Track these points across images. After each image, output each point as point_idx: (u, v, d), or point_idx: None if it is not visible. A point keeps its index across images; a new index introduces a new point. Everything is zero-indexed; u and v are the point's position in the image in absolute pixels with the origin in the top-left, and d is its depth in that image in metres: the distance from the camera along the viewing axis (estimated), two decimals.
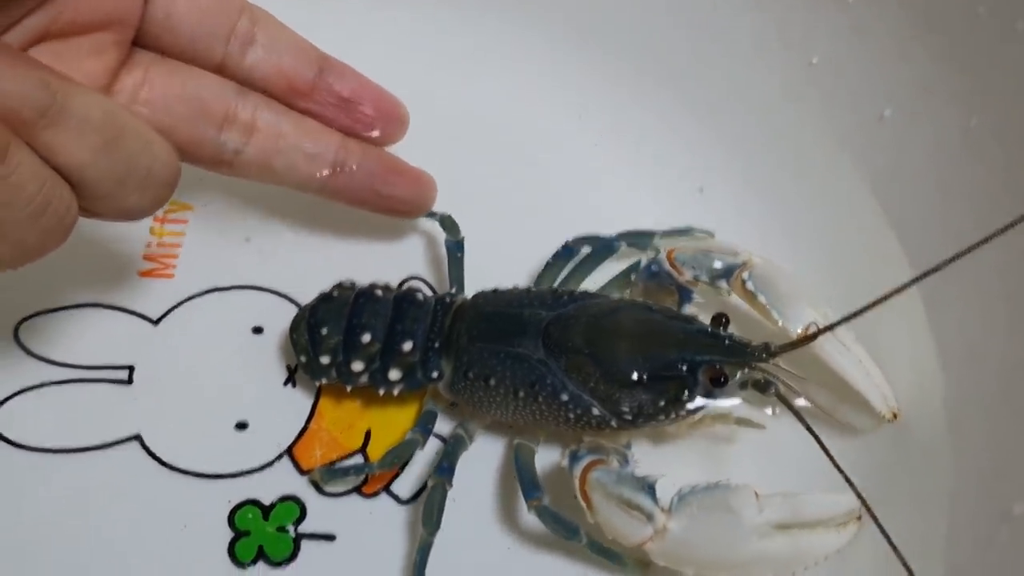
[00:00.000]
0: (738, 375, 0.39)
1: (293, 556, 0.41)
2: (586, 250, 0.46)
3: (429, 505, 0.39)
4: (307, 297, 0.46)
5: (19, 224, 0.31)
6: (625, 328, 0.40)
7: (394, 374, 0.42)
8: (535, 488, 0.39)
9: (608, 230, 0.48)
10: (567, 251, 0.46)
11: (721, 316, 0.41)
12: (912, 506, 0.39)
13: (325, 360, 0.42)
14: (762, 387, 0.39)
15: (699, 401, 0.39)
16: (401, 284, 0.47)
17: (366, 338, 0.42)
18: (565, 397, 0.39)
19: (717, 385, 0.39)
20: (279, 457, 0.43)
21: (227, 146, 0.41)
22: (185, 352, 0.46)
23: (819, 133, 0.48)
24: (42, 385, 0.45)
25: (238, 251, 0.49)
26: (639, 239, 0.47)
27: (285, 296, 0.48)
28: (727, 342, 0.40)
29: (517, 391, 0.40)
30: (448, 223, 0.46)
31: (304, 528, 0.41)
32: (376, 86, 0.45)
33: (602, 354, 0.39)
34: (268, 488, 0.42)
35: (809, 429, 0.37)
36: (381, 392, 0.43)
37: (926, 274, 0.35)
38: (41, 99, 0.30)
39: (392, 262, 0.49)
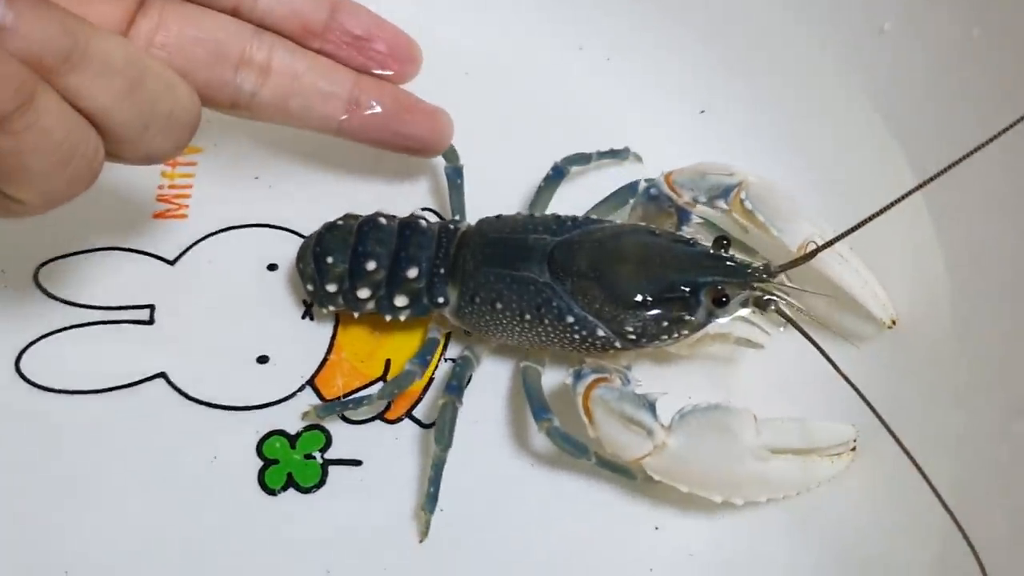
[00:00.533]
0: (739, 295, 0.40)
1: (322, 482, 0.42)
2: (575, 169, 0.48)
3: (440, 422, 0.41)
4: None
5: (47, 170, 0.31)
6: (629, 251, 0.41)
7: (400, 300, 0.43)
8: (544, 410, 0.40)
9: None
10: (557, 172, 0.47)
11: (722, 239, 0.42)
12: (922, 408, 0.41)
13: (332, 288, 0.43)
14: (763, 305, 0.40)
15: (701, 320, 0.40)
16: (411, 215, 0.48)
17: (371, 265, 0.43)
18: (571, 319, 0.40)
19: (719, 305, 0.40)
20: (302, 388, 0.44)
21: (244, 88, 0.41)
22: (203, 290, 0.47)
23: (820, 49, 0.49)
24: (66, 328, 0.45)
25: (249, 190, 0.49)
26: (616, 154, 0.49)
27: (297, 232, 0.48)
28: (728, 263, 0.40)
29: (523, 314, 0.41)
30: (448, 150, 0.47)
31: (331, 455, 0.43)
32: (389, 24, 0.45)
33: (607, 277, 0.40)
34: (293, 418, 0.43)
35: (813, 342, 0.38)
36: (388, 318, 0.44)
37: (928, 181, 0.36)
38: (63, 44, 0.30)
39: (404, 196, 0.49)
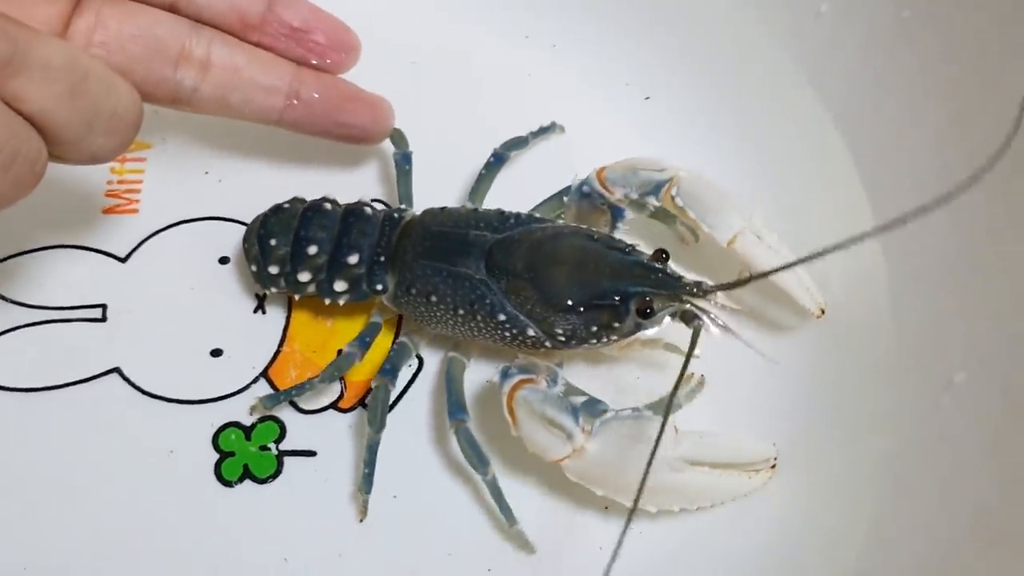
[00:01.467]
0: (667, 308, 0.40)
1: (277, 472, 0.43)
2: (515, 153, 0.48)
3: (373, 404, 0.41)
4: None
5: None
6: (565, 255, 0.41)
7: (339, 285, 0.43)
8: (459, 409, 0.41)
9: (560, 142, 0.50)
10: (497, 159, 0.48)
11: (662, 252, 0.41)
12: (860, 386, 0.42)
13: (274, 270, 0.44)
14: (688, 319, 0.40)
15: (630, 327, 0.40)
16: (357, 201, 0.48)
17: (312, 250, 0.43)
18: (503, 317, 0.41)
19: (644, 316, 0.40)
20: (255, 380, 0.45)
21: (184, 84, 0.42)
22: (155, 286, 0.47)
23: (759, 34, 0.50)
24: (18, 327, 0.46)
25: (198, 184, 0.50)
26: (545, 131, 0.50)
27: (246, 224, 0.48)
28: (660, 275, 0.40)
29: (457, 308, 0.41)
30: (396, 136, 0.48)
31: (285, 446, 0.43)
32: (326, 14, 0.45)
33: (541, 278, 0.40)
34: (248, 410, 0.44)
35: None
36: (327, 302, 0.44)
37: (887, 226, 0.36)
38: (3, 49, 0.30)
39: (354, 185, 0.50)
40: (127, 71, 0.38)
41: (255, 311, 0.47)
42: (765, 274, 0.38)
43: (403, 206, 0.47)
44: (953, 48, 0.42)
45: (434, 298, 0.42)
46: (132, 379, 0.45)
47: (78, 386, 0.44)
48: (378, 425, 0.41)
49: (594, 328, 0.40)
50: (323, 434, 0.44)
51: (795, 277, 0.43)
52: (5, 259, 0.47)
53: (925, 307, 0.40)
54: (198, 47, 0.42)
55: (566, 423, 0.38)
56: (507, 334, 0.41)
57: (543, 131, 0.50)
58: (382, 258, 0.43)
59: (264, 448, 0.43)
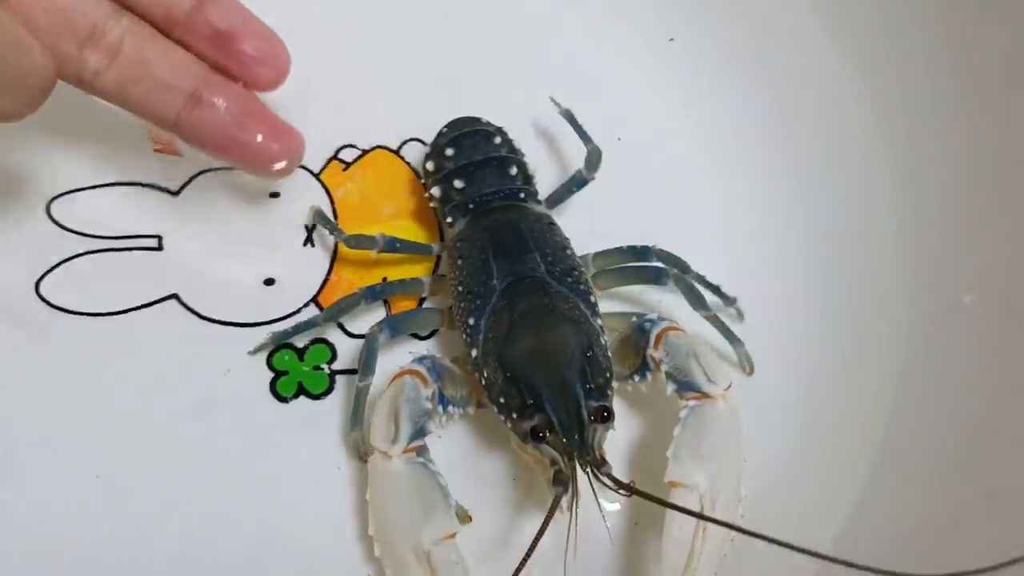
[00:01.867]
0: (555, 451, 0.39)
1: (330, 389, 0.46)
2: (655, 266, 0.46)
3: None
4: (315, 162, 0.51)
5: None
6: (547, 334, 0.41)
7: (436, 191, 0.48)
8: (391, 324, 0.44)
9: (585, 85, 0.53)
10: (642, 252, 0.46)
11: (604, 409, 0.39)
12: (874, 309, 0.45)
13: (430, 166, 0.49)
14: (557, 481, 0.38)
15: (521, 431, 0.40)
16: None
17: (454, 160, 0.48)
18: (472, 322, 0.42)
19: (534, 436, 0.39)
20: (306, 305, 0.48)
21: (88, 65, 0.40)
22: (208, 219, 0.50)
23: None
24: (79, 255, 0.48)
25: None
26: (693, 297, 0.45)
27: None
28: (577, 423, 0.39)
29: (460, 285, 0.44)
30: (594, 158, 0.50)
31: (337, 366, 0.46)
32: (259, 24, 0.43)
33: (516, 331, 0.41)
34: (299, 335, 0.47)
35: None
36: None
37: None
38: None
39: (399, 122, 0.53)
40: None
41: (304, 244, 0.50)
42: (650, 498, 0.37)
43: (540, 197, 0.48)
44: None
45: (460, 262, 0.45)
46: (189, 304, 0.47)
47: (140, 311, 0.47)
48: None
49: (502, 400, 0.40)
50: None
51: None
52: (62, 195, 0.49)
53: (935, 235, 0.44)
54: (112, 32, 0.40)
55: (403, 431, 0.39)
56: (465, 335, 0.43)
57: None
58: (472, 206, 0.46)
59: (317, 368, 0.46)
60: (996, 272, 0.41)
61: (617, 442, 0.43)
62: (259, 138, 0.43)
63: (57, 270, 0.48)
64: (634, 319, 0.43)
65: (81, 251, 0.48)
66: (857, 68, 0.49)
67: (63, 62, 0.39)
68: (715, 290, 0.46)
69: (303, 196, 0.51)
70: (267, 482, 0.44)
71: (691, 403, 0.40)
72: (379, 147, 0.52)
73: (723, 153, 0.52)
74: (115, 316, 0.47)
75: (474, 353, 0.42)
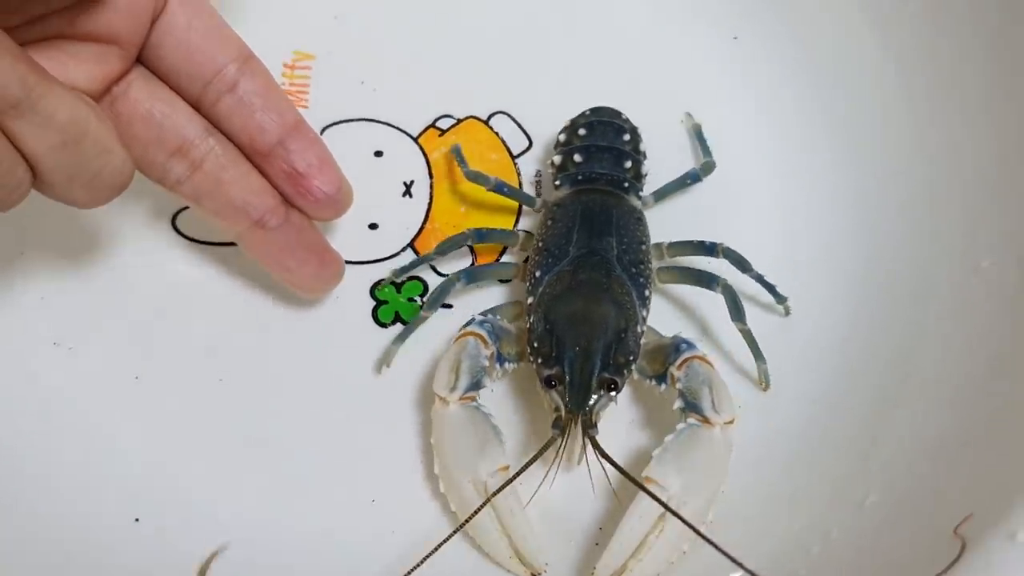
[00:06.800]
0: (559, 399, 0.44)
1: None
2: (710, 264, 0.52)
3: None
4: (415, 128, 0.58)
5: None
6: (592, 303, 0.46)
7: (557, 159, 0.54)
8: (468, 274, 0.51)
9: (645, 79, 0.59)
10: (710, 247, 0.51)
11: (611, 381, 0.44)
12: (900, 268, 0.51)
13: (562, 136, 0.55)
14: (555, 425, 0.44)
15: (540, 375, 0.45)
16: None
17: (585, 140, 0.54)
18: (538, 274, 0.48)
19: (546, 382, 0.44)
20: (404, 248, 0.55)
21: (171, 173, 0.44)
22: None
23: None
24: None
25: (356, 91, 0.59)
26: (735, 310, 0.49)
27: (396, 127, 0.58)
28: (583, 390, 0.43)
29: (540, 241, 0.50)
30: (707, 167, 0.55)
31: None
32: (332, 166, 0.47)
33: (569, 297, 0.46)
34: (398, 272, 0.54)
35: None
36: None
37: None
38: (15, 93, 0.33)
39: (489, 97, 0.59)
40: (124, 144, 0.38)
41: (403, 195, 0.57)
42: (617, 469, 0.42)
43: (642, 193, 0.54)
44: None
45: (550, 222, 0.51)
46: None
47: None
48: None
49: (535, 344, 0.45)
50: (457, 294, 0.52)
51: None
52: None
53: (958, 203, 0.50)
54: (197, 149, 0.44)
55: (461, 381, 0.44)
56: (529, 284, 0.48)
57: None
58: (582, 178, 0.52)
59: (411, 300, 0.53)
60: (1011, 240, 0.47)
61: (618, 431, 0.49)
62: (308, 268, 0.48)
63: (188, 209, 0.55)
64: (677, 336, 0.47)
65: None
66: (895, 58, 0.55)
67: (149, 167, 0.44)
68: (770, 289, 0.51)
69: (403, 156, 0.58)
70: (364, 392, 0.50)
71: (691, 421, 0.43)
72: (471, 117, 0.59)
73: (780, 138, 0.58)
74: (231, 246, 0.52)
75: (530, 300, 0.47)
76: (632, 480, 0.42)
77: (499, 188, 0.54)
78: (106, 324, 0.51)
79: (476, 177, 0.54)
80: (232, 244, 0.51)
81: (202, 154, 0.44)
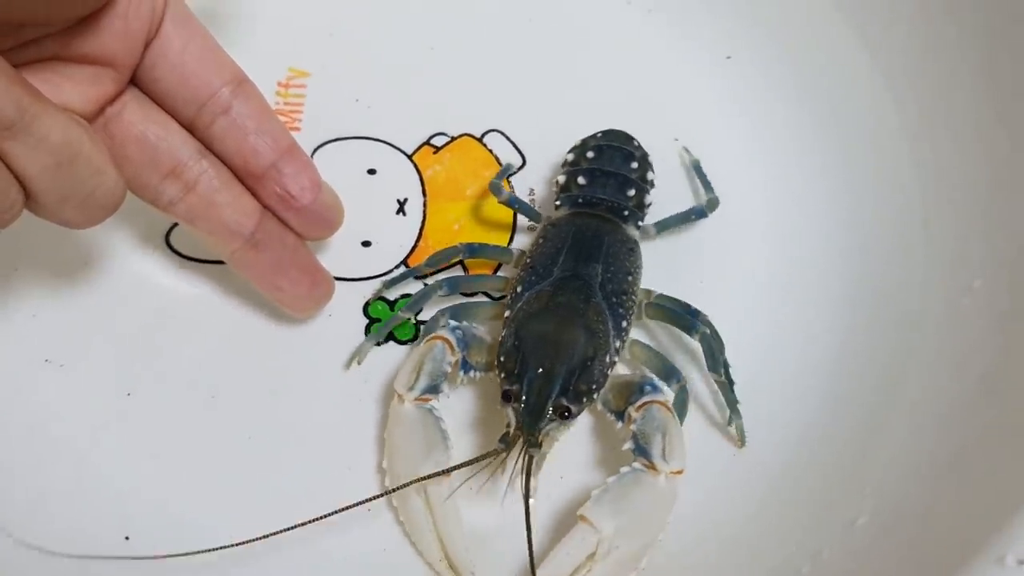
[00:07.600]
0: (515, 418, 0.44)
1: (415, 337, 0.53)
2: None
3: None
4: (409, 145, 0.58)
5: None
6: (562, 326, 0.46)
7: (561, 178, 0.54)
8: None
9: (639, 98, 0.60)
10: (696, 314, 0.49)
11: (565, 409, 0.44)
12: (894, 291, 0.52)
13: (569, 156, 0.55)
14: (502, 439, 0.44)
15: (501, 387, 0.45)
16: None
17: (593, 163, 0.53)
18: (519, 289, 0.48)
19: (504, 397, 0.45)
20: (397, 266, 0.55)
21: (164, 195, 0.44)
22: None
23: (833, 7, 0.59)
24: None
25: (351, 109, 0.60)
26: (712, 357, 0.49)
27: (390, 144, 0.59)
28: (536, 412, 0.44)
29: (529, 258, 0.50)
30: (712, 205, 0.55)
31: (422, 316, 0.53)
32: (325, 190, 0.48)
33: (541, 315, 0.46)
34: (391, 288, 0.54)
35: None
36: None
37: None
38: (10, 114, 0.33)
39: (483, 115, 0.60)
40: (118, 166, 0.39)
41: (397, 213, 0.57)
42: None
43: (641, 223, 0.53)
44: None
45: (541, 240, 0.51)
46: None
47: None
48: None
49: (502, 358, 0.46)
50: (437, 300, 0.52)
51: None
52: None
53: (951, 224, 0.50)
54: (190, 171, 0.44)
55: (421, 382, 0.45)
56: (510, 297, 0.49)
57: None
58: (582, 201, 0.52)
59: None
60: (1003, 262, 0.47)
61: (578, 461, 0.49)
62: (300, 288, 0.49)
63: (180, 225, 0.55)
64: (646, 376, 0.47)
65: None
66: (887, 80, 0.56)
67: (142, 188, 0.44)
68: (727, 385, 0.48)
69: (397, 174, 0.58)
70: (357, 409, 0.51)
71: (636, 466, 0.43)
72: (465, 135, 0.59)
73: (773, 158, 0.58)
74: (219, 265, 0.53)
75: (507, 314, 0.48)
76: (527, 524, 0.42)
77: (511, 202, 0.54)
78: (98, 341, 0.51)
79: (496, 188, 0.54)
80: (219, 263, 0.52)
81: (195, 176, 0.44)
